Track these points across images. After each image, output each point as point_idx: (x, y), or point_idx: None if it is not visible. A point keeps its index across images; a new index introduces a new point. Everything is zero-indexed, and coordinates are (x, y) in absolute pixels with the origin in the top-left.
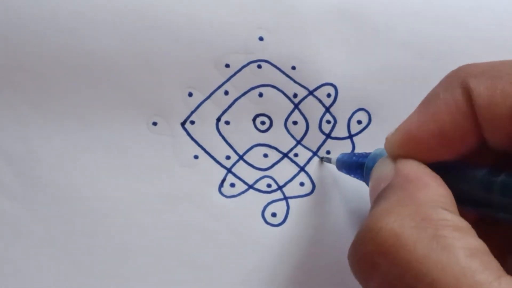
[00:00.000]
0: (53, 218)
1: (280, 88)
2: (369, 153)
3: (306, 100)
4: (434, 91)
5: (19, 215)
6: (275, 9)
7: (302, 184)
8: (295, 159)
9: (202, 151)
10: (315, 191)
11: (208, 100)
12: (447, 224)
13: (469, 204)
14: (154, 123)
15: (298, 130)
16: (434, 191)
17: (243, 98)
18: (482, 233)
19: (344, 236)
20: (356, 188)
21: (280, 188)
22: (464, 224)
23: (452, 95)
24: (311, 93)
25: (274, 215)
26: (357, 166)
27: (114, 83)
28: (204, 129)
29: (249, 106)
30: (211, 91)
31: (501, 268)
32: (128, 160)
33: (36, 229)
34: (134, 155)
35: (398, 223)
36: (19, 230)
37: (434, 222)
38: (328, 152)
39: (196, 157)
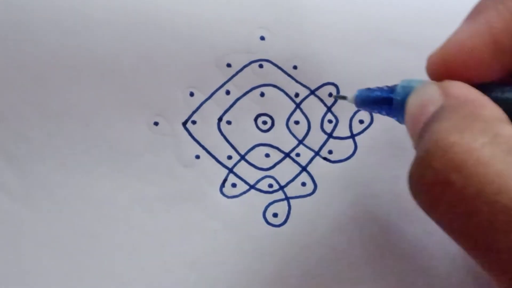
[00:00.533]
0: (53, 218)
1: (282, 87)
2: (393, 86)
3: (307, 99)
4: (480, 3)
5: (19, 215)
6: (276, 8)
7: (303, 184)
8: (297, 159)
9: (204, 151)
10: (317, 191)
11: (210, 100)
12: None
13: None
14: (156, 123)
15: (300, 130)
16: (493, 108)
17: (244, 97)
18: None
19: (346, 237)
20: (358, 188)
21: (281, 188)
22: None
23: (503, 3)
24: (312, 92)
25: (275, 215)
26: (383, 101)
27: (115, 83)
28: (205, 129)
29: (250, 106)
30: (212, 91)
31: None
32: (129, 160)
33: (36, 229)
34: (135, 155)
35: (472, 138)
36: (19, 230)
37: (506, 138)
38: (330, 152)
39: (197, 157)
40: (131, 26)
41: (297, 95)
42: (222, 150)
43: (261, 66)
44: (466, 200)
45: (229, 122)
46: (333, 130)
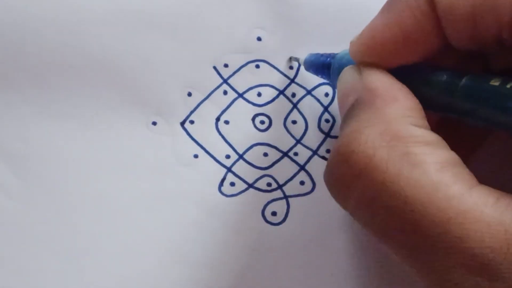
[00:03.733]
0: (53, 218)
1: (279, 88)
2: (337, 54)
3: (304, 99)
4: None
5: (18, 214)
6: (273, 9)
7: (302, 183)
8: (295, 158)
9: (202, 151)
10: (316, 189)
11: (207, 100)
12: (416, 140)
13: (433, 108)
14: (154, 123)
15: (298, 129)
16: (402, 105)
17: (241, 98)
18: (446, 135)
19: (344, 235)
20: None
21: (280, 187)
22: (434, 137)
23: None
24: (309, 92)
25: (274, 214)
26: (324, 66)
27: (114, 83)
28: (203, 128)
29: (248, 105)
30: (210, 91)
31: (472, 178)
32: (127, 160)
33: (36, 229)
34: (133, 155)
35: (369, 144)
36: (19, 229)
37: (403, 139)
38: (328, 151)
39: (196, 156)
40: (130, 26)
41: (294, 95)
42: (220, 150)
43: (257, 66)
44: (366, 204)
45: (227, 122)
46: (331, 129)
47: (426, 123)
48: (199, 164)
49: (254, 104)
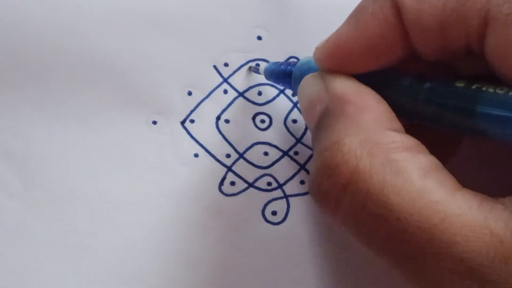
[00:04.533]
0: (53, 217)
1: (279, 87)
2: (297, 62)
3: None
4: (362, 3)
5: (19, 214)
6: (273, 8)
7: (302, 182)
8: (295, 157)
9: (202, 150)
10: None
11: (208, 99)
12: (396, 146)
13: (399, 114)
14: (154, 122)
15: (298, 129)
16: (375, 110)
17: (242, 97)
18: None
19: (345, 235)
20: None
21: (280, 186)
22: (413, 142)
23: (380, 7)
24: None
25: (274, 213)
26: (285, 74)
27: (114, 82)
28: (203, 127)
29: (248, 104)
30: (210, 90)
31: (455, 182)
32: (127, 159)
33: (36, 228)
34: (133, 154)
35: (351, 154)
36: (18, 229)
37: (383, 146)
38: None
39: (196, 155)
40: (130, 26)
41: (294, 94)
42: (221, 149)
43: (258, 65)
44: (354, 215)
45: (227, 121)
46: None
47: (401, 126)
48: (199, 163)
49: (254, 103)
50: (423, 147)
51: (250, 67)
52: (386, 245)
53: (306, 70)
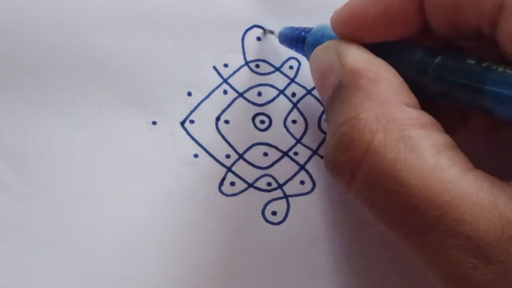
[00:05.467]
0: (52, 217)
1: (278, 87)
2: (312, 28)
3: (304, 99)
4: None
5: (18, 214)
6: (272, 8)
7: (302, 182)
8: (295, 157)
9: (202, 150)
10: (316, 189)
11: (207, 100)
12: (412, 122)
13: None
14: (154, 122)
15: (298, 129)
16: (389, 82)
17: (241, 97)
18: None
19: (345, 235)
20: None
21: (280, 186)
22: (429, 119)
23: None
24: (309, 92)
25: (274, 213)
26: (298, 40)
27: (114, 83)
28: (203, 128)
29: (248, 105)
30: (210, 90)
31: (468, 162)
32: (127, 159)
33: (36, 228)
34: (133, 154)
35: (367, 130)
36: (18, 229)
37: (399, 122)
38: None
39: (196, 156)
40: (130, 26)
41: (294, 94)
42: (221, 149)
43: (257, 66)
44: (368, 188)
45: (227, 122)
46: None
47: (417, 101)
48: (199, 163)
49: (254, 104)
50: (438, 125)
51: (265, 30)
52: (397, 219)
53: (320, 36)
